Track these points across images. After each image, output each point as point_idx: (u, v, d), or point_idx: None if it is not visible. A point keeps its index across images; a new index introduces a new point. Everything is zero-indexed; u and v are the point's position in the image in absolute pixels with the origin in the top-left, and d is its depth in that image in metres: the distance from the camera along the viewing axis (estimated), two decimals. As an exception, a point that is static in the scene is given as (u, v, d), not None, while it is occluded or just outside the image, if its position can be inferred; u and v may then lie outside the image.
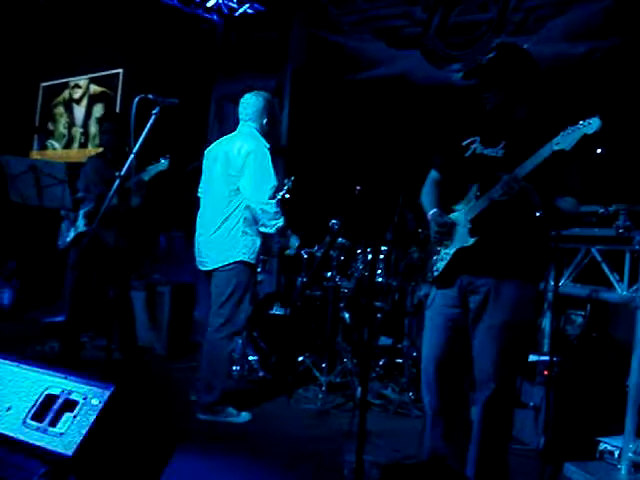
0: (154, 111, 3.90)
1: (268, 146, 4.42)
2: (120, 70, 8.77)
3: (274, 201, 4.30)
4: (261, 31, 7.42)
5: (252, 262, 4.36)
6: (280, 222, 4.33)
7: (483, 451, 3.05)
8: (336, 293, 5.27)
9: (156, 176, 4.90)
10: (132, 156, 3.83)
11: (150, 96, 3.86)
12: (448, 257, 3.12)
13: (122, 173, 3.89)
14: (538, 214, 2.95)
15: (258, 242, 4.37)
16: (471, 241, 3.03)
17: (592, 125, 2.74)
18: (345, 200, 5.53)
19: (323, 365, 5.06)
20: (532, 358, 4.11)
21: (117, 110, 8.53)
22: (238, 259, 4.29)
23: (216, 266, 4.34)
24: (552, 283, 4.40)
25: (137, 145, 3.80)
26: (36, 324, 6.49)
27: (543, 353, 4.46)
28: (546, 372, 4.04)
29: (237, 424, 4.32)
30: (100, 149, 5.60)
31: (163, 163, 4.76)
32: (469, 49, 5.93)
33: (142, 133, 3.83)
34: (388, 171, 5.66)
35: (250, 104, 4.48)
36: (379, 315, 5.20)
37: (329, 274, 5.29)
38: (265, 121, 4.44)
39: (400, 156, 5.85)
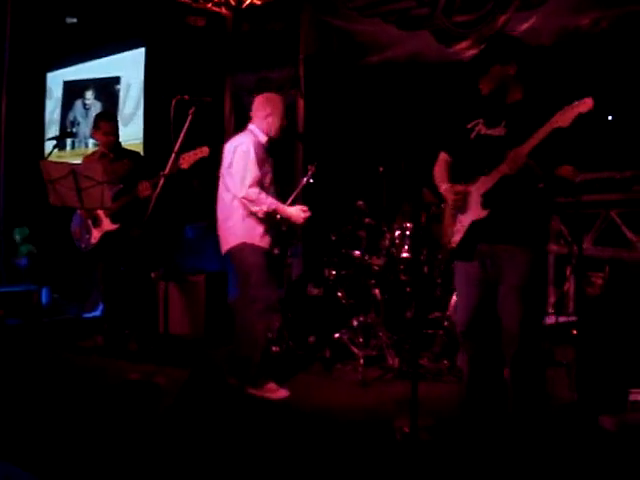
0: (190, 110, 4.15)
1: (263, 140, 4.69)
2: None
3: (254, 189, 4.52)
4: (271, 21, 7.59)
5: (259, 244, 4.63)
6: (263, 207, 4.55)
7: (519, 408, 3.36)
8: (366, 271, 5.53)
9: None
10: (174, 154, 4.09)
11: (186, 97, 4.10)
12: (463, 229, 3.44)
13: (166, 172, 4.16)
14: (541, 185, 3.30)
15: (260, 226, 4.63)
16: (484, 213, 3.37)
17: (586, 104, 3.07)
18: (369, 181, 5.78)
19: (359, 340, 5.31)
20: (561, 319, 4.35)
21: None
22: (241, 241, 4.61)
23: (226, 249, 4.69)
24: (575, 247, 4.63)
25: (178, 144, 4.05)
26: (76, 320, 6.73)
27: (569, 314, 4.71)
28: (574, 331, 4.29)
29: (279, 400, 4.56)
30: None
31: (203, 150, 4.81)
32: (477, 26, 6.09)
33: (181, 132, 4.08)
34: (407, 150, 5.89)
35: (256, 106, 4.79)
36: (407, 289, 5.48)
37: (358, 253, 5.55)
38: (269, 118, 4.71)
39: (416, 134, 6.07)
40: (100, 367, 3.76)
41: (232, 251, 4.65)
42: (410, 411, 3.15)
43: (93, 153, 5.75)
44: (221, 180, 4.71)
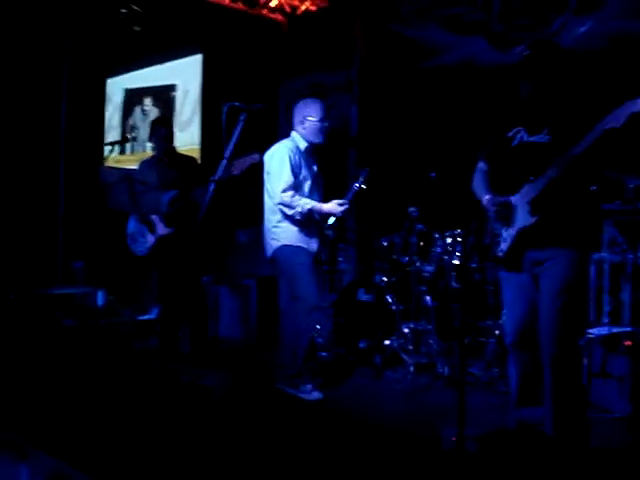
0: (241, 117, 4.20)
1: (302, 146, 4.76)
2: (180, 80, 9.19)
3: (287, 194, 4.61)
4: (325, 26, 7.62)
5: (297, 245, 4.71)
6: (298, 209, 4.62)
7: (558, 413, 3.32)
8: (417, 277, 5.50)
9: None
10: (225, 160, 4.14)
11: (237, 103, 4.15)
12: (510, 238, 3.41)
13: (216, 177, 4.21)
14: (593, 188, 3.35)
15: (302, 230, 4.71)
16: (533, 220, 3.34)
17: (638, 104, 3.03)
18: (421, 187, 5.75)
19: (409, 347, 5.29)
20: (614, 330, 4.26)
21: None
22: (283, 244, 4.72)
23: (270, 253, 4.81)
24: (630, 255, 4.53)
25: (229, 150, 4.10)
26: (131, 322, 6.85)
27: (624, 324, 4.60)
28: (629, 342, 4.19)
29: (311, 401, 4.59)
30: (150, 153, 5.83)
31: (254, 157, 4.81)
32: (533, 30, 6.01)
33: (232, 138, 4.12)
34: (460, 156, 5.84)
35: (296, 112, 4.86)
36: (460, 296, 5.43)
37: (409, 259, 5.53)
38: (306, 123, 4.77)
39: (471, 140, 6.01)
40: (152, 369, 3.82)
41: (276, 254, 4.76)
42: (457, 420, 3.13)
43: (150, 158, 5.83)
44: (264, 187, 4.81)
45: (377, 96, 7.12)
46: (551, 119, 3.37)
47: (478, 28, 6.38)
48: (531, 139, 3.42)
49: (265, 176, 4.79)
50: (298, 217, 4.65)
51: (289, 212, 4.65)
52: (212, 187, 4.13)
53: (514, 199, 3.43)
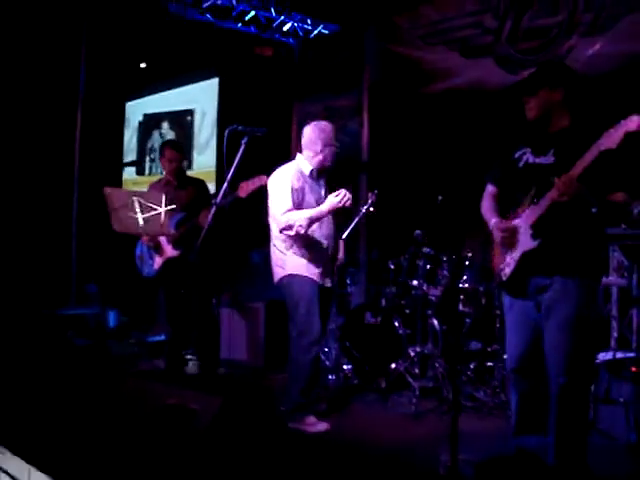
0: (243, 140, 4.22)
1: (306, 170, 4.60)
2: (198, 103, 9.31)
3: (285, 215, 4.41)
4: (336, 50, 7.68)
5: (306, 275, 4.52)
6: (297, 223, 4.38)
7: (559, 442, 3.25)
8: (424, 301, 5.47)
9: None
10: (226, 184, 4.16)
11: (239, 127, 4.17)
12: (514, 262, 3.34)
13: (217, 201, 4.23)
14: (594, 210, 3.21)
15: (306, 257, 4.52)
16: (534, 243, 3.28)
17: (633, 122, 2.98)
18: (428, 210, 5.74)
19: (415, 371, 5.25)
20: (619, 355, 4.19)
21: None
22: (289, 273, 4.54)
23: (276, 280, 4.65)
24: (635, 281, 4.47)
25: (231, 173, 4.12)
26: (141, 343, 6.89)
27: (630, 350, 4.54)
28: (634, 369, 4.12)
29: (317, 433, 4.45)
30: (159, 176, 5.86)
31: (261, 179, 4.82)
32: (541, 53, 6.01)
33: (233, 162, 4.15)
34: (470, 179, 5.82)
35: (303, 135, 4.71)
36: (468, 320, 5.39)
37: (416, 282, 5.49)
38: (318, 149, 4.58)
39: (480, 163, 6.00)
40: (140, 390, 3.81)
41: (281, 283, 4.60)
42: (450, 445, 3.10)
43: (158, 180, 5.86)
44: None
45: (387, 119, 7.15)
46: (556, 140, 3.32)
47: (487, 51, 6.39)
48: (537, 160, 3.36)
49: (269, 201, 4.65)
50: (302, 232, 4.40)
51: (292, 233, 4.43)
52: (213, 210, 4.14)
53: (518, 222, 3.36)
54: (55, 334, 6.35)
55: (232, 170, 4.12)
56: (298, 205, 4.46)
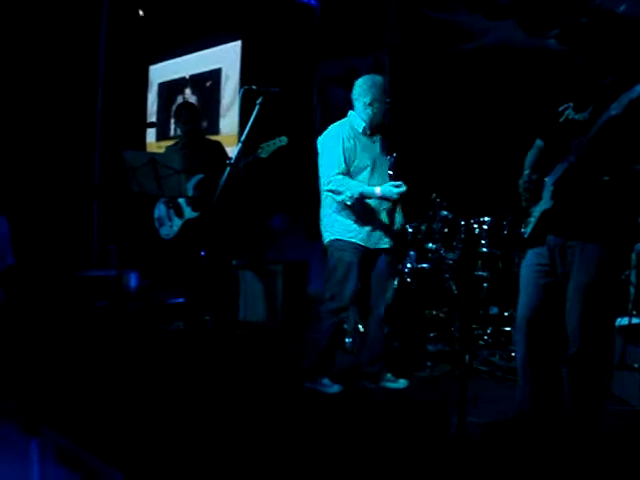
0: (258, 101, 4.20)
1: (359, 127, 4.49)
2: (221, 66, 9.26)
3: (337, 177, 4.34)
4: (358, 11, 7.56)
5: (350, 240, 4.45)
6: (347, 193, 4.31)
7: (573, 410, 3.23)
8: (441, 264, 5.45)
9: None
10: (240, 144, 4.15)
11: (253, 87, 4.15)
12: (534, 219, 3.28)
13: (232, 161, 4.23)
14: (606, 178, 3.10)
15: (350, 221, 4.45)
16: (550, 203, 3.24)
17: (634, 91, 2.94)
18: (451, 173, 5.68)
19: (431, 335, 5.24)
20: (635, 321, 4.15)
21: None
22: (333, 237, 4.50)
23: (324, 242, 4.61)
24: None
25: (244, 133, 4.11)
26: (161, 305, 6.95)
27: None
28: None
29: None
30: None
31: (282, 140, 4.77)
32: (566, 14, 5.87)
33: (248, 122, 4.13)
34: (490, 142, 5.76)
35: (355, 87, 4.59)
36: (485, 284, 5.37)
37: (433, 246, 5.46)
38: (367, 101, 4.48)
39: (500, 126, 5.93)
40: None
41: (326, 246, 4.57)
42: (458, 407, 3.10)
43: (175, 143, 5.85)
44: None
45: (408, 81, 7.04)
46: (597, 96, 3.19)
47: (510, 12, 6.26)
48: (575, 117, 3.26)
49: (319, 160, 4.54)
50: (348, 203, 4.34)
51: (338, 198, 4.35)
52: (227, 170, 4.13)
53: (547, 179, 3.30)
54: (76, 296, 6.43)
55: (246, 130, 4.10)
56: (351, 165, 4.39)
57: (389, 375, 4.65)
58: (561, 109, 3.34)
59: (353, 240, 4.44)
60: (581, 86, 3.29)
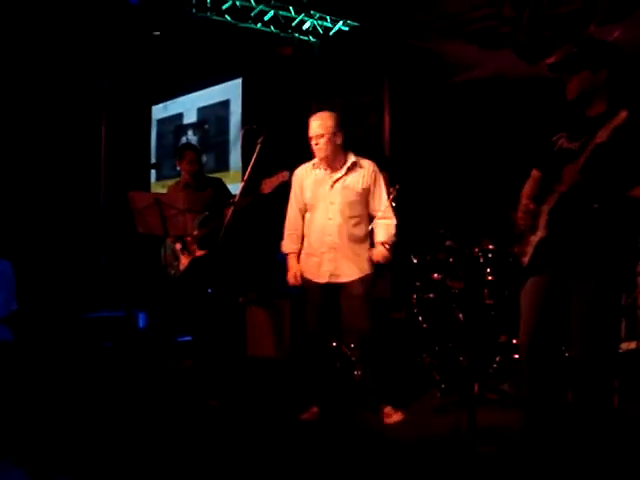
0: (259, 139, 4.26)
1: (316, 162, 4.60)
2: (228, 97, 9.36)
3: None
4: (357, 46, 7.68)
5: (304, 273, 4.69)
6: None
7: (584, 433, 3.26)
8: (448, 294, 5.45)
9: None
10: (243, 183, 4.20)
11: (254, 126, 4.21)
12: (532, 249, 3.34)
13: (235, 199, 4.27)
14: (595, 206, 3.15)
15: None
16: (546, 232, 3.29)
17: (619, 117, 2.99)
18: (452, 203, 5.73)
19: (440, 365, 5.23)
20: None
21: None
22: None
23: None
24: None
25: (248, 171, 4.16)
26: (169, 344, 6.96)
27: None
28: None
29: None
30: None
31: (284, 175, 4.83)
32: (560, 41, 5.95)
33: (250, 160, 4.18)
34: (492, 171, 5.80)
35: None
36: (492, 312, 5.36)
37: (439, 276, 5.48)
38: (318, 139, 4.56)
39: (502, 155, 5.98)
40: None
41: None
42: (467, 438, 3.10)
43: (177, 183, 5.94)
44: None
45: (408, 114, 7.14)
46: (590, 126, 3.22)
47: (506, 42, 6.35)
48: (569, 146, 3.30)
49: None
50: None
51: None
52: (231, 210, 4.18)
53: (544, 207, 3.34)
54: (84, 337, 6.44)
55: (249, 168, 4.15)
56: (305, 202, 4.56)
57: (388, 408, 4.61)
58: (555, 138, 3.39)
59: (305, 275, 4.66)
60: (573, 115, 3.34)
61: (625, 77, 3.36)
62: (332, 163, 4.51)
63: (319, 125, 4.46)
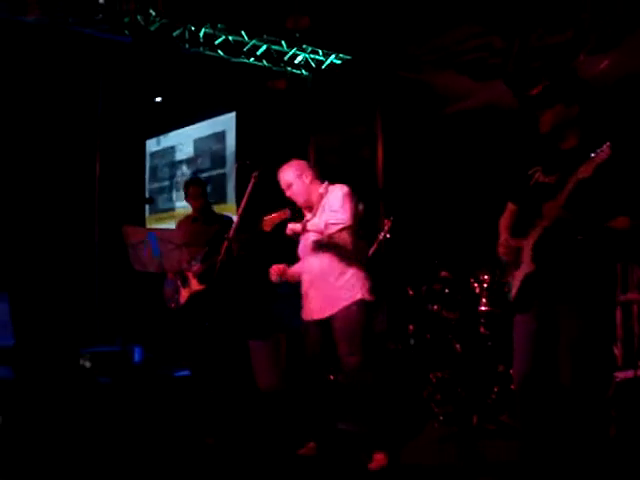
0: (254, 174, 4.28)
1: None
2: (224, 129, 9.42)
3: None
4: (349, 79, 7.75)
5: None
6: None
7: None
8: (444, 325, 5.45)
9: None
10: (237, 218, 4.21)
11: (247, 162, 4.24)
12: (518, 282, 3.36)
13: (230, 235, 4.28)
14: (579, 237, 3.17)
15: None
16: (532, 267, 3.28)
17: (603, 153, 3.00)
18: (446, 234, 5.75)
19: (438, 397, 5.21)
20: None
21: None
22: None
23: None
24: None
25: (241, 207, 4.17)
26: (166, 379, 6.92)
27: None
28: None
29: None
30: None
31: (285, 212, 4.72)
32: (550, 72, 6.00)
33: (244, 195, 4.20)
34: (485, 201, 5.82)
35: None
36: (489, 343, 5.35)
37: (435, 307, 5.48)
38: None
39: (495, 185, 6.00)
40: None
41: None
42: (467, 469, 3.09)
43: (187, 217, 6.04)
44: None
45: (401, 145, 7.18)
46: (564, 159, 3.26)
47: (497, 73, 6.41)
48: (546, 180, 3.32)
49: None
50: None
51: None
52: (225, 245, 4.18)
53: (525, 242, 3.34)
54: (79, 372, 6.40)
55: (243, 203, 4.16)
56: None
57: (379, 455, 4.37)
58: (531, 172, 3.42)
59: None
60: (546, 148, 3.38)
61: (598, 111, 3.41)
62: (311, 201, 4.54)
63: (283, 177, 4.51)
